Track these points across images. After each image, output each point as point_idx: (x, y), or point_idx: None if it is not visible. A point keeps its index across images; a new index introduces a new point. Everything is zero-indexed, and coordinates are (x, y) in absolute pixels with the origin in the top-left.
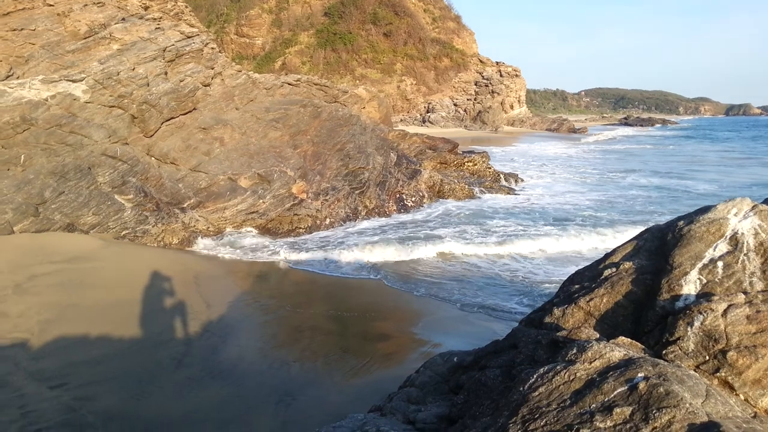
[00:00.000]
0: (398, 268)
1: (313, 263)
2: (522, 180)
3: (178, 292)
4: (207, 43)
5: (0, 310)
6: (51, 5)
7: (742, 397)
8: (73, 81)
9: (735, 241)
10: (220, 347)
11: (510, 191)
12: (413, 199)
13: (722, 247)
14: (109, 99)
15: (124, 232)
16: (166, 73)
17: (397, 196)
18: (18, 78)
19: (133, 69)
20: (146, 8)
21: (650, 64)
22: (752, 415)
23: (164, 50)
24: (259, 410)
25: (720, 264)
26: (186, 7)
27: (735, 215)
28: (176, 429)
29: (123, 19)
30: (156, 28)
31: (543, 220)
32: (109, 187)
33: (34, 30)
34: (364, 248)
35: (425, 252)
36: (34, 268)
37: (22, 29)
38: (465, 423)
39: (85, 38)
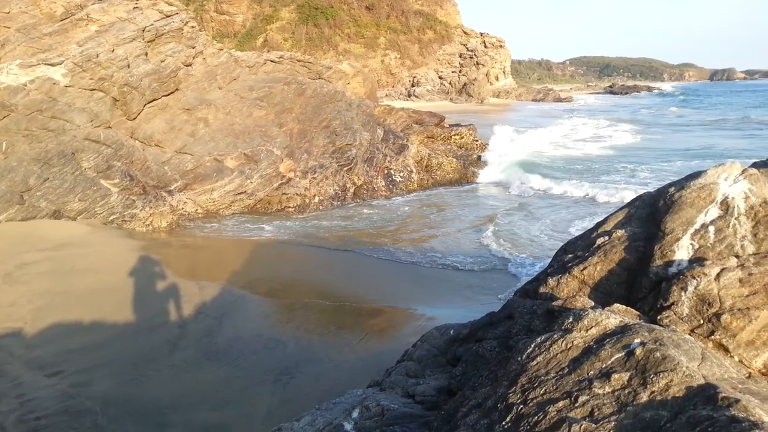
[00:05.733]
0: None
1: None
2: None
3: (169, 275)
4: (187, 22)
5: None
6: None
7: (736, 358)
8: (52, 65)
9: (726, 206)
10: (215, 329)
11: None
12: (401, 174)
13: (713, 212)
14: (90, 82)
15: (111, 217)
16: (146, 54)
17: (386, 171)
18: None
19: (113, 50)
20: None
21: (635, 31)
22: (746, 375)
23: (143, 30)
24: (256, 389)
25: (711, 229)
26: None
27: (725, 180)
28: (174, 411)
29: None
30: (134, 8)
31: None
32: (94, 172)
33: (8, 13)
34: None
35: None
36: (22, 257)
37: None
38: (465, 394)
39: (61, 20)
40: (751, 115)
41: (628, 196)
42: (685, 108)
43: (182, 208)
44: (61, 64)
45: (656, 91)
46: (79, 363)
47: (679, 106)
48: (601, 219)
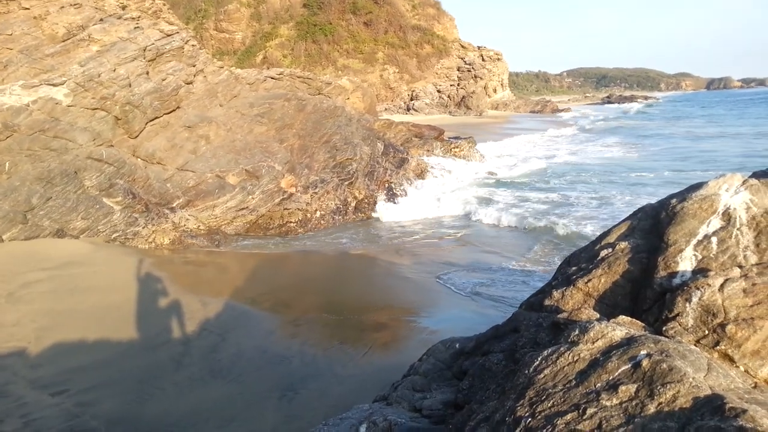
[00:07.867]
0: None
1: None
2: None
3: (172, 292)
4: (187, 41)
5: None
6: (27, 8)
7: (742, 368)
8: (54, 85)
9: (728, 217)
10: (218, 345)
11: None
12: (402, 187)
13: (715, 222)
14: (92, 101)
15: (114, 235)
16: (147, 73)
17: (386, 185)
18: None
19: (114, 70)
20: (124, 8)
21: (631, 42)
22: (753, 385)
23: (144, 49)
24: (261, 406)
25: (714, 240)
26: (164, 4)
27: (726, 191)
28: (179, 429)
29: (101, 19)
30: (135, 28)
31: None
32: (97, 191)
33: (10, 35)
34: None
35: None
36: (26, 276)
37: None
38: (472, 408)
39: (63, 41)
40: (696, 130)
41: None
42: (640, 120)
43: (184, 225)
44: (63, 84)
45: (649, 100)
46: (84, 382)
47: (634, 119)
48: (605, 231)
